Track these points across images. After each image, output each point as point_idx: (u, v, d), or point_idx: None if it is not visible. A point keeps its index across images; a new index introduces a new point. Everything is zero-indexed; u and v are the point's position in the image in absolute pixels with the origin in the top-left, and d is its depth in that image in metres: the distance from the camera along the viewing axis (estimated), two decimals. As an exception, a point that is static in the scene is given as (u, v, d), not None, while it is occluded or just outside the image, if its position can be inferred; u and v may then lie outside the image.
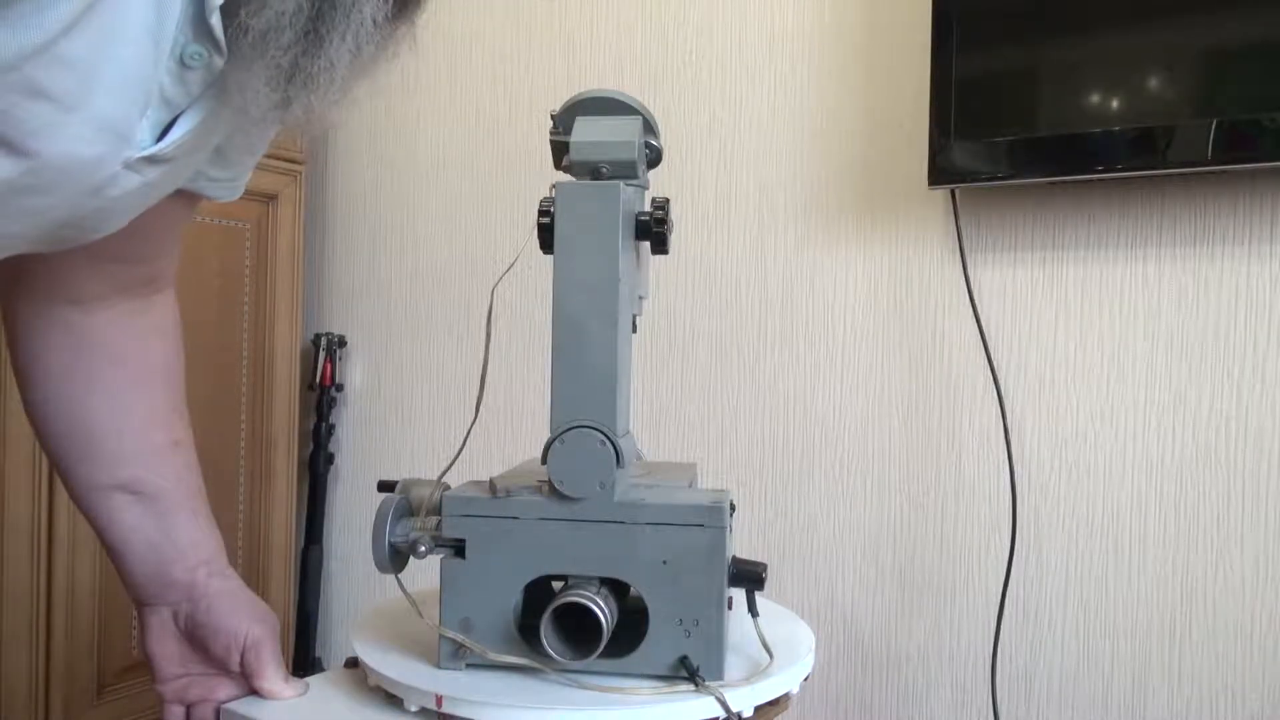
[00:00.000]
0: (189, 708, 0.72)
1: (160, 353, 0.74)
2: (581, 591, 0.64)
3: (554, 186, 0.68)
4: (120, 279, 0.70)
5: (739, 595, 0.70)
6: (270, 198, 1.62)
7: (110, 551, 0.73)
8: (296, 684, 0.70)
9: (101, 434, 0.70)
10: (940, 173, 1.16)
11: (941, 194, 1.25)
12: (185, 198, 0.66)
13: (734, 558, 0.69)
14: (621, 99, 0.73)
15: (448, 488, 0.71)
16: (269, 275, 1.63)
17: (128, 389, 0.71)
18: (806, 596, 1.36)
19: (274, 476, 1.65)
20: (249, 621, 0.70)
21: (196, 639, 0.71)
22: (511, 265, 1.48)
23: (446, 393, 1.67)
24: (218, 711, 0.70)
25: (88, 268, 0.67)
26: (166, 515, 0.72)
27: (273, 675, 0.69)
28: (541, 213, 0.68)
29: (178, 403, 0.75)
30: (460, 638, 0.67)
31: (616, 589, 0.68)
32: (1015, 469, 1.21)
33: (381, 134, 1.73)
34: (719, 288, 1.43)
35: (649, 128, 0.74)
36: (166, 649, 0.72)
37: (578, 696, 0.64)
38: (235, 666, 0.70)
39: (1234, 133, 1.01)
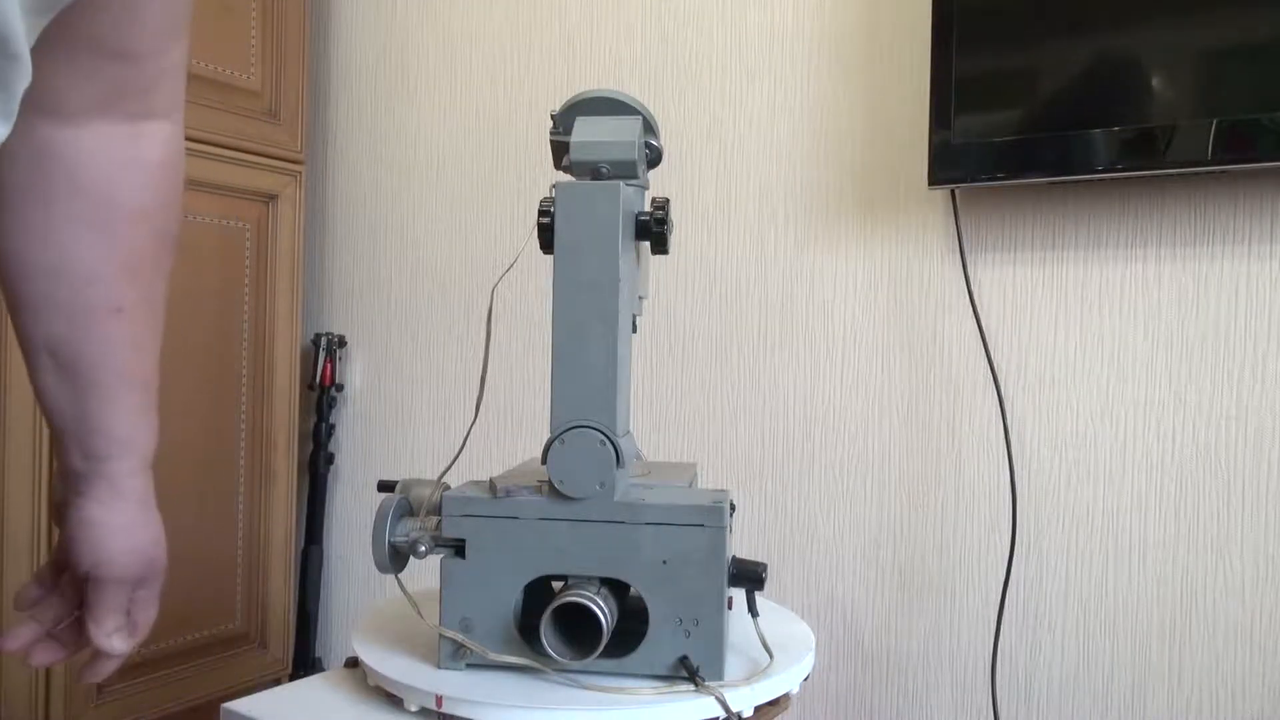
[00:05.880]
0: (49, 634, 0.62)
1: (132, 191, 0.60)
2: (581, 591, 0.64)
3: (554, 186, 0.68)
4: (109, 84, 0.58)
5: (739, 595, 0.70)
6: (270, 198, 1.62)
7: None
8: (127, 640, 0.61)
9: (37, 272, 0.59)
10: (940, 173, 1.16)
11: (941, 194, 1.25)
12: None
13: (734, 558, 0.69)
14: (621, 99, 0.73)
15: (448, 488, 0.71)
16: (269, 275, 1.63)
17: (78, 224, 0.59)
18: (806, 596, 1.36)
19: (274, 476, 1.65)
20: (112, 549, 0.59)
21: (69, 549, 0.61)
22: (511, 265, 1.48)
23: (446, 393, 1.67)
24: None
25: (70, 65, 0.57)
26: (83, 390, 0.61)
27: (103, 619, 0.60)
28: (541, 213, 0.68)
29: (137, 263, 0.61)
30: (460, 638, 0.67)
31: (616, 589, 0.68)
32: (1015, 469, 1.21)
33: (381, 134, 1.73)
34: (719, 288, 1.43)
35: (649, 128, 0.74)
36: (59, 554, 0.62)
37: (578, 696, 0.64)
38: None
39: (1234, 133, 1.01)
